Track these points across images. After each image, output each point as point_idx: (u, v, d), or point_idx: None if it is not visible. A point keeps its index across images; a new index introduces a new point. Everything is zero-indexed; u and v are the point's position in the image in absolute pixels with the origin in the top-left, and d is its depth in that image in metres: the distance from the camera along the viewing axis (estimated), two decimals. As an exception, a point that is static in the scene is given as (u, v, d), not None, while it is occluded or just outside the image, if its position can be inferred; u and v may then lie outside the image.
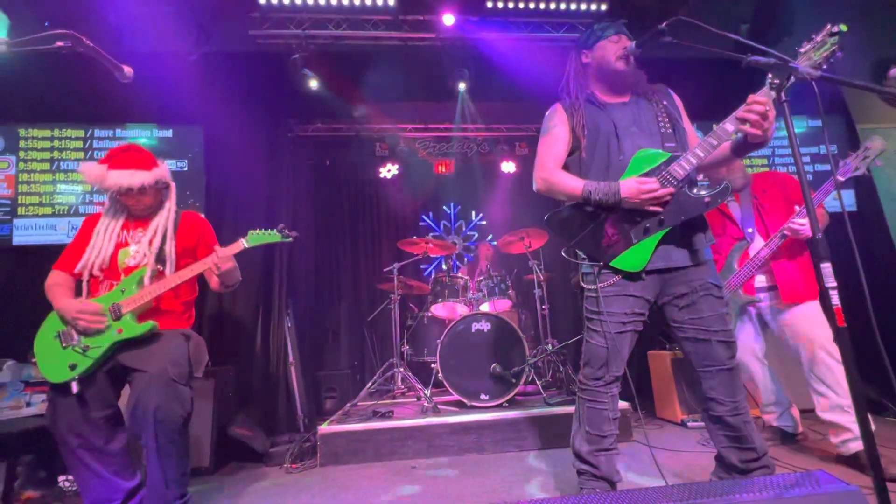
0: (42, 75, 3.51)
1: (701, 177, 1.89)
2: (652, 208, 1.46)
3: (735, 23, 4.01)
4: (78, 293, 1.85)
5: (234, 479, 2.52)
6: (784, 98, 1.20)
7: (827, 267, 1.07)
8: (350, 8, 3.59)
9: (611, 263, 1.50)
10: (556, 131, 1.66)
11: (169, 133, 3.77)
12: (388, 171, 4.83)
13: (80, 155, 3.62)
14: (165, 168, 1.96)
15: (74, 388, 1.65)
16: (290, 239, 2.00)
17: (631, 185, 1.45)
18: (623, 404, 2.72)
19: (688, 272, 1.51)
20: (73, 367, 1.68)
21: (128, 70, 1.58)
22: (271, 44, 3.69)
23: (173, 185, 2.01)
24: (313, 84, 3.87)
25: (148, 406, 1.59)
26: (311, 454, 2.67)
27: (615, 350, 1.51)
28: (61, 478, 2.34)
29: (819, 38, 1.24)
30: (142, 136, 3.74)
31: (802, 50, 1.25)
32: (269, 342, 3.66)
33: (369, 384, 3.33)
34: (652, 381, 3.36)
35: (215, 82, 3.67)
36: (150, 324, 1.76)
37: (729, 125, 1.39)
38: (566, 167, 1.67)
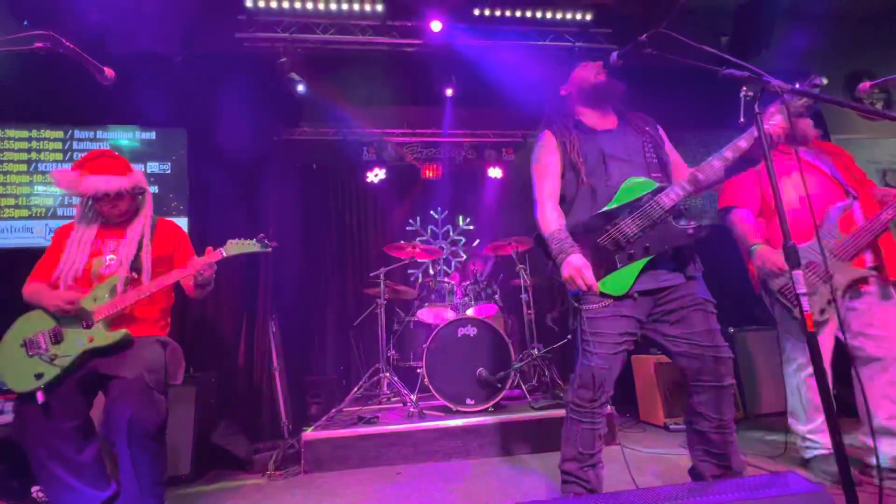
0: (20, 75, 3.43)
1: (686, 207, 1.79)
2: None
3: (716, 35, 4.13)
4: None
5: (215, 488, 2.48)
6: (757, 110, 1.24)
7: (798, 274, 1.11)
8: (338, 13, 3.60)
9: None
10: (547, 160, 1.67)
11: (152, 135, 3.71)
12: (376, 175, 4.82)
13: (59, 157, 3.54)
14: (140, 174, 1.94)
15: (40, 397, 1.60)
16: (270, 249, 1.99)
17: (573, 265, 1.46)
18: (607, 408, 2.75)
19: (678, 289, 1.53)
20: (38, 377, 1.63)
21: (109, 73, 1.56)
22: (258, 47, 3.67)
23: (149, 191, 2.00)
24: (300, 88, 3.85)
25: (122, 413, 1.56)
26: (294, 461, 2.64)
27: (609, 371, 1.52)
28: (34, 488, 2.27)
29: (801, 88, 1.32)
30: (124, 138, 3.67)
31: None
32: (253, 347, 3.62)
33: (355, 389, 3.31)
34: (636, 385, 3.40)
35: (200, 84, 3.64)
36: (122, 332, 1.72)
37: (743, 142, 1.44)
38: (566, 186, 1.67)
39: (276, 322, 3.68)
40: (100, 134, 3.64)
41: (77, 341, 1.70)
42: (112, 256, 1.85)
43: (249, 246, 1.95)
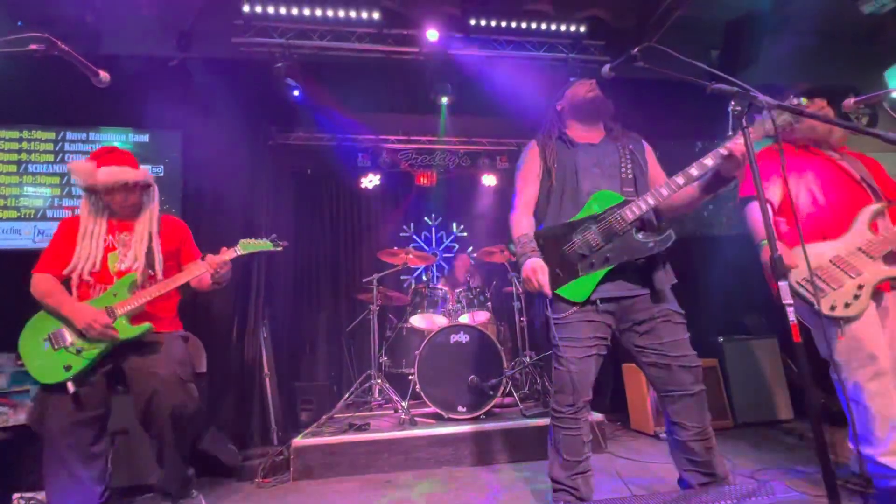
0: (13, 75, 3.40)
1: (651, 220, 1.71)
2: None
3: (706, 49, 4.21)
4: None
5: (203, 495, 2.44)
6: (745, 124, 1.27)
7: (784, 286, 1.13)
8: (335, 20, 3.62)
9: (556, 292, 1.57)
10: (529, 165, 1.78)
11: (145, 138, 3.69)
12: (370, 181, 4.84)
13: (50, 158, 3.51)
14: (147, 171, 1.99)
15: (71, 388, 1.66)
16: (280, 248, 2.10)
17: (529, 267, 1.55)
18: (597, 416, 2.76)
19: (646, 299, 1.57)
20: (67, 369, 1.69)
21: (104, 75, 1.56)
22: (254, 52, 3.67)
23: (155, 186, 2.03)
24: (295, 93, 3.86)
25: (165, 406, 1.71)
26: (284, 468, 2.61)
27: (583, 375, 1.56)
28: (16, 496, 2.23)
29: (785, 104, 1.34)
30: (117, 140, 3.65)
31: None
32: (243, 352, 3.58)
33: (346, 396, 3.29)
34: (626, 394, 3.41)
35: (195, 88, 3.63)
36: (146, 325, 1.80)
37: (708, 160, 1.48)
38: (540, 193, 1.76)
39: (267, 327, 3.65)
40: (92, 136, 3.62)
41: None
42: (124, 251, 1.88)
43: (262, 245, 2.05)
